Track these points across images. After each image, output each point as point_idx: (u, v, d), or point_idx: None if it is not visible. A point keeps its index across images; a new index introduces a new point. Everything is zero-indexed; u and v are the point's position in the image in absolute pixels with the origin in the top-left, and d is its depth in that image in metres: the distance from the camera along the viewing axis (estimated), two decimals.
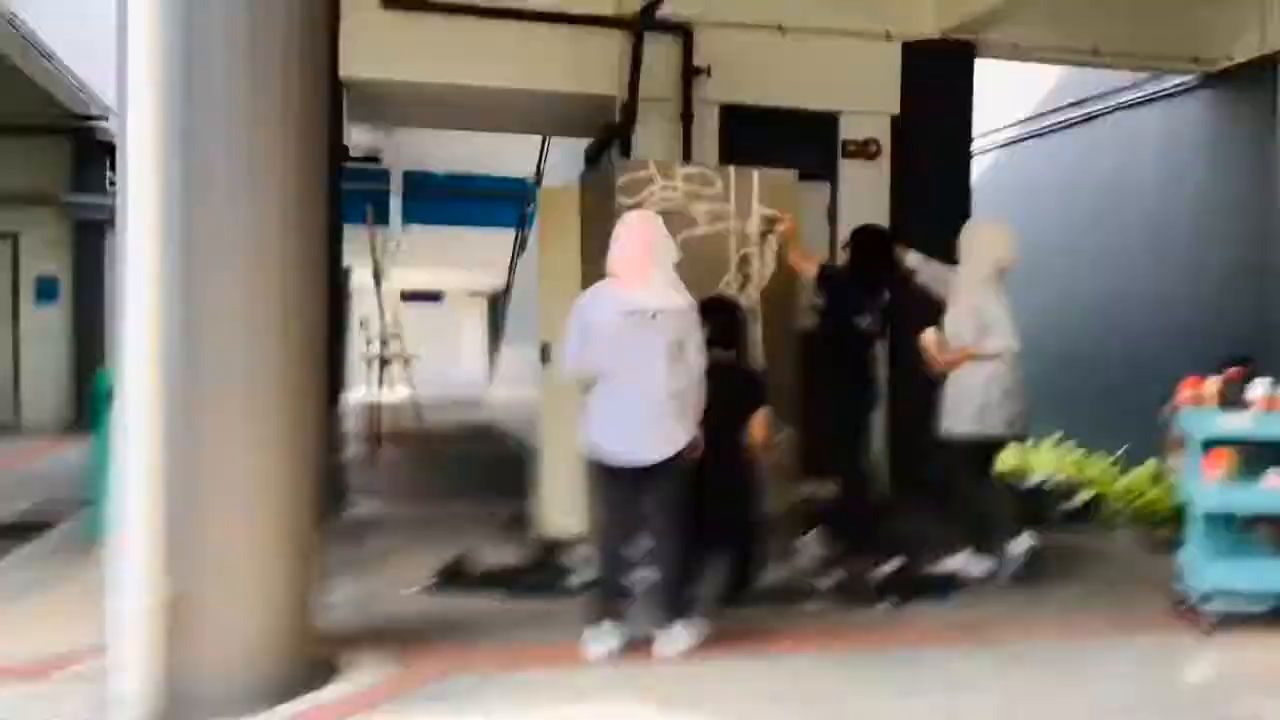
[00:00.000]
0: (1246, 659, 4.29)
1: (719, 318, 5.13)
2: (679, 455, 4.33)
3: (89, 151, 13.80)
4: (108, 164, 13.58)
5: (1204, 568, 4.69)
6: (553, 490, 6.50)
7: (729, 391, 4.98)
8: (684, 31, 7.65)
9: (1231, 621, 4.77)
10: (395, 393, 11.02)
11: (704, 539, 4.74)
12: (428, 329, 33.50)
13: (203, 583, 3.48)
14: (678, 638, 4.32)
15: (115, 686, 3.38)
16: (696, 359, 4.44)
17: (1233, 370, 4.80)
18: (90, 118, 13.61)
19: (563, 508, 6.36)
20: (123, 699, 3.30)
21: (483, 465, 11.03)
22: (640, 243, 4.41)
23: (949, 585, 5.41)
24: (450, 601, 5.06)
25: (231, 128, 3.53)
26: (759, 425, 5.06)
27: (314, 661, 3.80)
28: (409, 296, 33.31)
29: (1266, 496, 4.82)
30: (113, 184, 13.59)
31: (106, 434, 6.42)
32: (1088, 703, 3.74)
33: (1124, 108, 10.85)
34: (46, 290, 13.89)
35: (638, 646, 4.36)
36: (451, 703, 3.65)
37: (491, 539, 6.66)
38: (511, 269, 16.70)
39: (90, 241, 13.81)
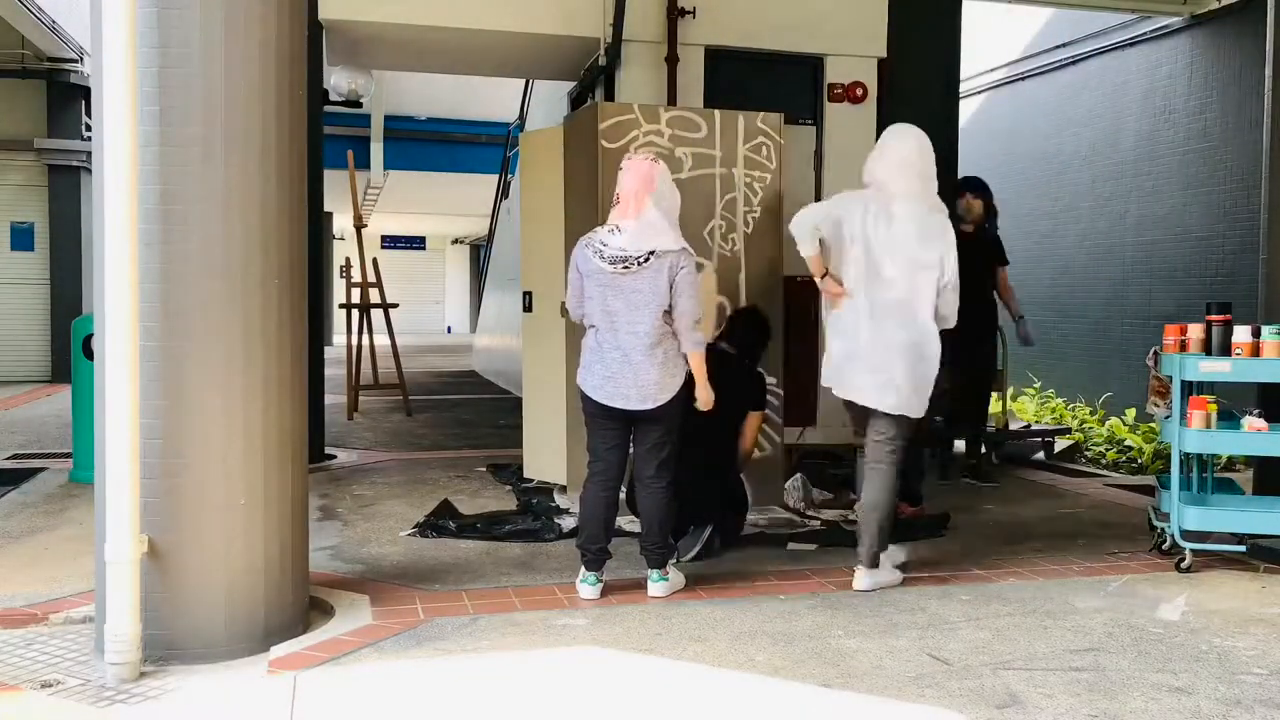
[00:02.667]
0: (1220, 599, 4.36)
1: (741, 327, 5.25)
2: (668, 404, 4.32)
3: (63, 95, 13.57)
4: (83, 108, 13.38)
5: (1182, 510, 4.76)
6: (535, 438, 6.51)
7: (727, 386, 4.84)
8: None
9: (1207, 562, 4.86)
10: (376, 341, 10.98)
11: (685, 512, 4.79)
12: (410, 275, 33.44)
13: (185, 530, 3.48)
14: (666, 581, 4.36)
15: (102, 633, 3.39)
16: (689, 301, 4.29)
17: (1215, 316, 4.82)
18: (64, 60, 13.37)
19: (545, 455, 6.38)
20: (109, 645, 3.31)
21: (465, 413, 11.04)
22: (641, 178, 4.30)
23: (935, 526, 5.48)
24: (435, 546, 5.09)
25: (209, 70, 3.46)
26: (751, 430, 5.13)
27: (299, 607, 3.81)
28: (390, 242, 33.20)
29: (1246, 439, 4.89)
30: (88, 128, 13.45)
31: (85, 381, 6.40)
32: (1061, 641, 3.80)
33: (1111, 50, 10.80)
34: (22, 237, 13.73)
35: (626, 588, 4.41)
36: (438, 644, 3.68)
37: (474, 486, 6.70)
38: (494, 215, 16.57)
39: (66, 187, 13.63)
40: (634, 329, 4.25)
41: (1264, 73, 7.02)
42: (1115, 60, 10.73)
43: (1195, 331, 4.85)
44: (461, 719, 3.13)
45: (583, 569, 4.36)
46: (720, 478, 5.02)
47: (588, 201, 5.77)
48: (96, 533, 3.53)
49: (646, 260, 4.23)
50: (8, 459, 7.54)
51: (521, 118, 13.38)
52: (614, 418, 4.35)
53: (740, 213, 5.89)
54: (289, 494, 3.71)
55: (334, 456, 7.79)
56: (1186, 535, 4.77)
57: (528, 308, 6.53)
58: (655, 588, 4.35)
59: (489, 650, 3.65)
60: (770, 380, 5.86)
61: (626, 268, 4.24)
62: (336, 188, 14.29)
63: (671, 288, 4.26)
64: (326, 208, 16.56)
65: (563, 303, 6.09)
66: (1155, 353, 5.08)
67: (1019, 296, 7.33)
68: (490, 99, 16.96)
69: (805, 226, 4.53)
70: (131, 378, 3.31)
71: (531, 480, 6.55)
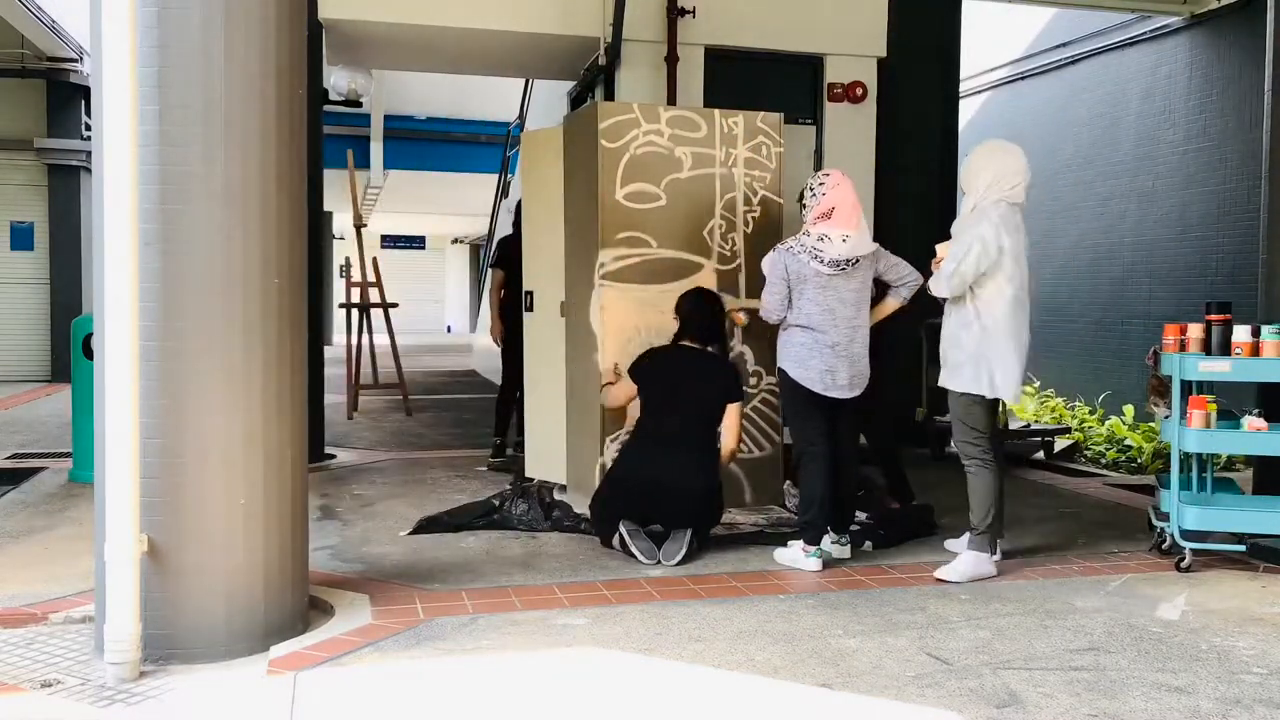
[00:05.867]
0: (1220, 599, 4.36)
1: (693, 314, 5.15)
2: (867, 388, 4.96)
3: (63, 94, 13.57)
4: (83, 107, 13.38)
5: (1182, 509, 4.76)
6: (537, 438, 6.51)
7: (698, 380, 5.03)
8: None
9: (1207, 562, 4.86)
10: (376, 340, 10.97)
11: (665, 512, 4.93)
12: (410, 275, 33.42)
13: (185, 530, 3.48)
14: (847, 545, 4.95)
15: (101, 633, 3.39)
16: (902, 264, 4.99)
17: (1215, 315, 4.82)
18: (64, 60, 13.37)
19: (547, 455, 6.38)
20: (109, 644, 3.31)
21: (465, 413, 11.04)
22: (855, 193, 4.80)
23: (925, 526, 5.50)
24: (435, 546, 5.09)
25: (209, 71, 3.46)
26: (733, 425, 5.07)
27: (299, 606, 3.81)
28: (390, 242, 33.19)
29: (1246, 439, 4.88)
30: (88, 128, 13.46)
31: (85, 381, 6.39)
32: (1061, 641, 3.80)
33: (1110, 50, 10.80)
34: (21, 237, 13.72)
35: (633, 584, 4.42)
36: (438, 643, 3.68)
37: (475, 486, 6.69)
38: (494, 215, 16.57)
39: (66, 187, 13.63)
40: (852, 323, 4.79)
41: (1264, 73, 7.02)
42: (1115, 60, 10.73)
43: (1195, 331, 4.85)
44: (461, 719, 3.13)
45: (808, 546, 4.74)
46: (704, 478, 4.97)
47: (587, 201, 5.77)
48: (96, 532, 3.53)
49: (857, 263, 4.77)
50: (8, 459, 7.54)
51: (521, 117, 13.38)
52: (824, 406, 4.82)
53: (740, 212, 5.89)
54: (289, 494, 3.71)
55: (334, 456, 7.79)
56: (1186, 535, 4.77)
57: (529, 307, 6.53)
58: (842, 550, 4.88)
59: (489, 650, 3.65)
60: (770, 378, 5.87)
61: (843, 269, 4.74)
62: (336, 188, 14.26)
63: (878, 277, 4.92)
64: (326, 208, 16.53)
65: (562, 302, 6.10)
66: (1155, 352, 5.08)
67: None
68: (490, 99, 16.95)
69: (970, 275, 4.66)
70: (131, 378, 3.31)
71: (533, 480, 6.54)
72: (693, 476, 4.89)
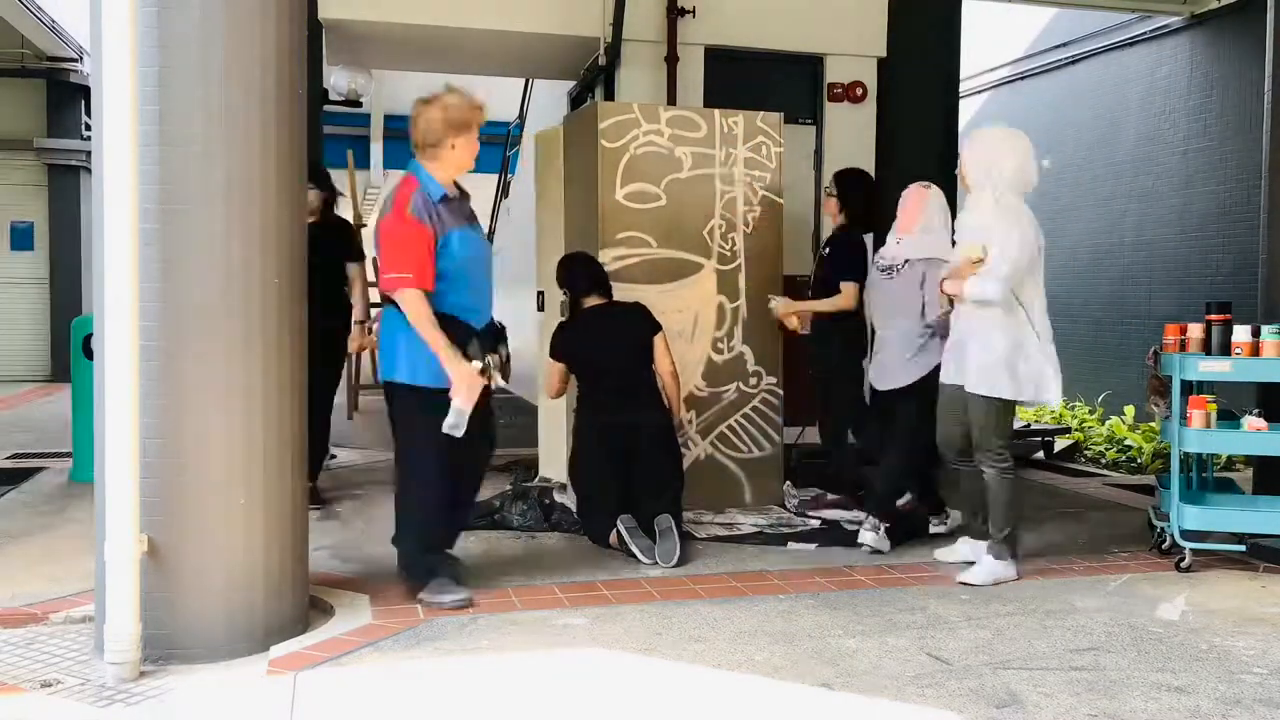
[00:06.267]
0: (1220, 599, 4.36)
1: (583, 275, 5.29)
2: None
3: (63, 95, 13.57)
4: (83, 108, 13.39)
5: (1182, 509, 4.75)
6: (551, 438, 6.47)
7: (619, 331, 5.17)
8: None
9: (1207, 562, 4.86)
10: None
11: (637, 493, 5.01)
12: None
13: (185, 530, 3.48)
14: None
15: (101, 633, 3.38)
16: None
17: (1215, 315, 4.82)
18: (64, 60, 13.38)
19: (561, 455, 6.35)
20: (109, 644, 3.31)
21: None
22: (911, 198, 5.21)
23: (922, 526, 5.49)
24: None
25: (209, 70, 3.46)
26: (666, 358, 5.20)
27: (299, 606, 3.81)
28: None
29: (1246, 439, 4.88)
30: (88, 128, 13.45)
31: (85, 381, 6.39)
32: (1061, 641, 3.80)
33: (1111, 50, 10.79)
34: (22, 237, 13.73)
35: (632, 584, 4.42)
36: (438, 643, 3.68)
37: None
38: (494, 215, 16.55)
39: (66, 187, 13.63)
40: (888, 324, 5.22)
41: (1264, 72, 7.02)
42: (1115, 60, 10.72)
43: (1195, 331, 4.85)
44: (461, 719, 3.13)
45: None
46: (660, 413, 5.13)
47: (587, 200, 5.77)
48: (96, 532, 3.52)
49: (904, 266, 5.10)
50: (8, 459, 7.54)
51: (521, 117, 13.37)
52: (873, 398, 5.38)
53: (740, 212, 5.89)
54: (289, 493, 3.70)
55: (334, 456, 7.78)
56: (1186, 535, 4.77)
57: (540, 307, 6.49)
58: (881, 541, 5.03)
59: (489, 650, 3.65)
60: (770, 378, 5.87)
61: (888, 274, 5.17)
62: (336, 187, 14.18)
63: (924, 284, 5.07)
64: None
65: (562, 301, 6.10)
66: (1155, 352, 5.08)
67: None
68: (490, 98, 16.94)
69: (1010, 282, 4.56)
70: (131, 377, 3.31)
71: (533, 480, 6.52)
72: (650, 411, 5.09)
